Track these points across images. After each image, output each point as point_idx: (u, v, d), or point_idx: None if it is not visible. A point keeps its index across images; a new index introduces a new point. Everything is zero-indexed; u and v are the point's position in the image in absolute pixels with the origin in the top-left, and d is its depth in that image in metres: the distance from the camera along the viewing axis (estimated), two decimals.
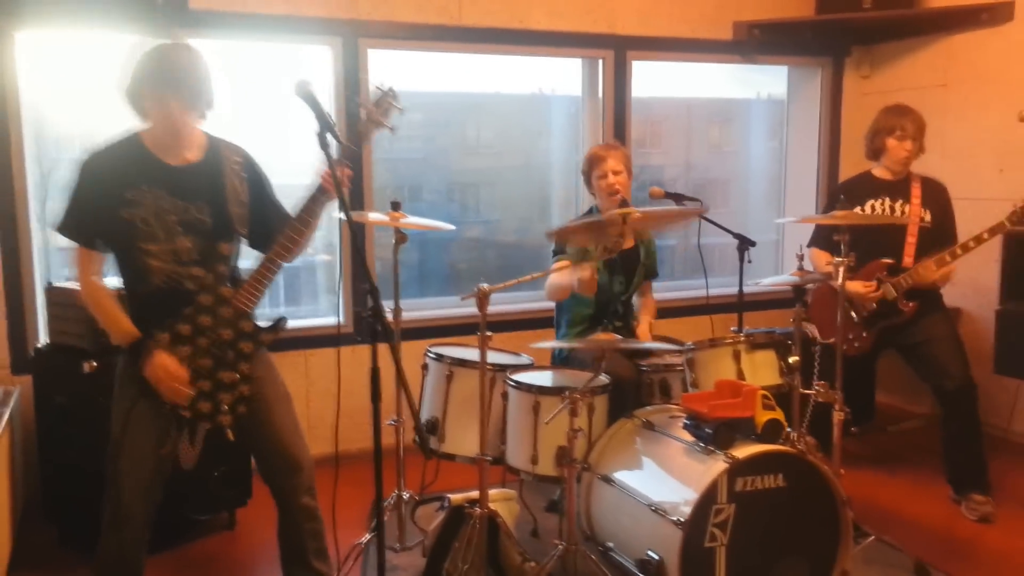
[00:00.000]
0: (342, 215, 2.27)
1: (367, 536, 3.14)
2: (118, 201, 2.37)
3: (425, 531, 3.05)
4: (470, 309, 4.51)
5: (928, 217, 3.76)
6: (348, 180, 2.53)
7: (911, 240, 3.74)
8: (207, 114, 2.48)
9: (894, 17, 4.76)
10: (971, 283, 4.57)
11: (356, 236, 2.26)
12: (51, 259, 3.93)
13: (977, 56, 4.61)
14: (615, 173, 3.49)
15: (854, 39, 5.25)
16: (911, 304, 3.64)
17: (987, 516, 3.55)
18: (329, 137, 2.25)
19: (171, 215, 2.41)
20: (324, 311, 4.57)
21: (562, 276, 3.33)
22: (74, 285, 3.15)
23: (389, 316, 3.41)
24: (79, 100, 3.88)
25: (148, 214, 2.39)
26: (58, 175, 3.88)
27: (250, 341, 2.50)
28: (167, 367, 2.39)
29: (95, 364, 3.07)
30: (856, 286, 3.68)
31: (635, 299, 3.75)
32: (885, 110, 3.83)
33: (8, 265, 3.68)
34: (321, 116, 2.26)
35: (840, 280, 2.99)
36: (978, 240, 3.50)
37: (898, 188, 3.80)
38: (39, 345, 3.42)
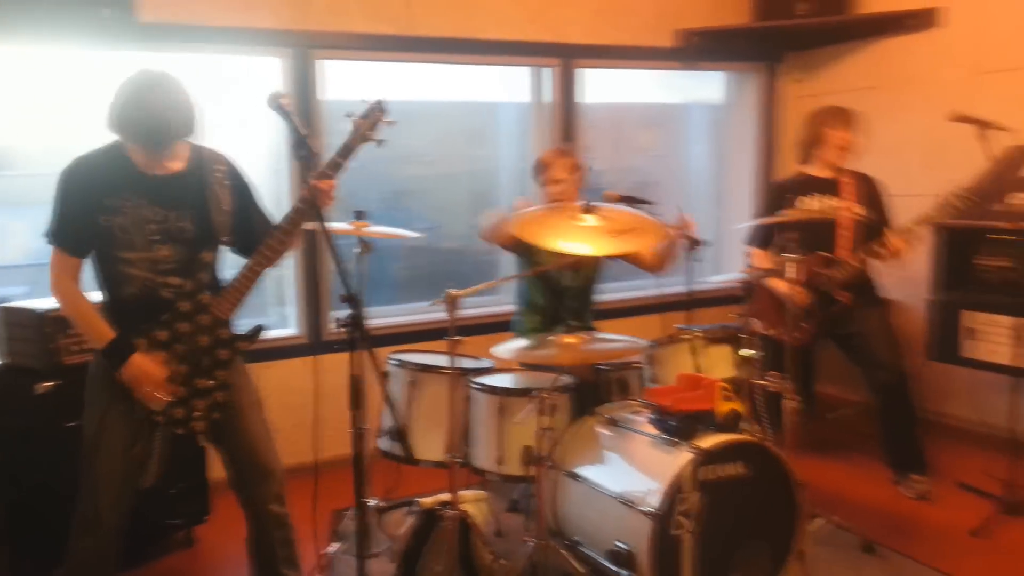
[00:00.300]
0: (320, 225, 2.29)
1: (335, 545, 3.17)
2: (98, 208, 2.39)
3: (393, 537, 3.09)
4: (424, 316, 4.63)
5: (860, 211, 3.90)
6: (331, 191, 2.53)
7: (845, 234, 3.87)
8: (185, 139, 2.49)
9: (826, 23, 4.97)
10: (901, 275, 4.80)
11: (334, 246, 2.29)
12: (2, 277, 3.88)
13: (904, 59, 4.85)
14: (556, 182, 3.54)
15: (788, 45, 5.46)
16: (846, 294, 3.79)
17: (924, 494, 3.77)
18: (304, 147, 2.29)
19: (152, 224, 2.43)
20: (275, 323, 4.56)
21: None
22: (31, 304, 3.14)
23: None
24: (23, 114, 3.83)
25: (127, 222, 2.41)
26: None
27: (227, 348, 2.54)
28: (144, 369, 2.41)
29: (48, 385, 3.03)
30: (782, 286, 3.81)
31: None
32: (819, 109, 4.00)
33: None
34: (294, 127, 2.30)
35: (793, 276, 3.13)
36: (928, 219, 3.63)
37: (831, 185, 3.94)
38: None
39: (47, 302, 3.10)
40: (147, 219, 2.43)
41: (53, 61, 3.89)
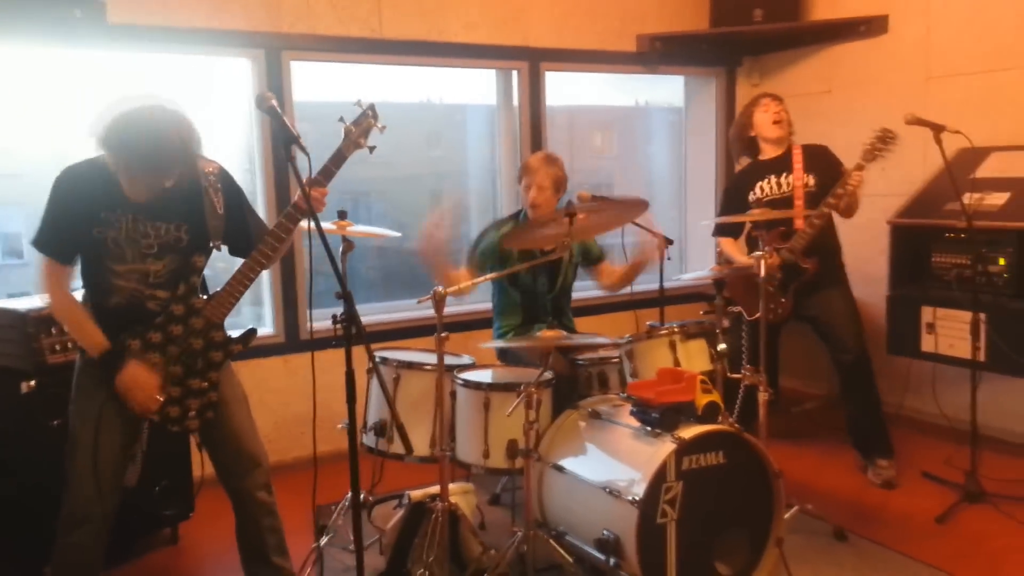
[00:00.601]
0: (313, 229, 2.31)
1: (324, 539, 3.20)
2: (91, 220, 2.39)
3: (382, 530, 3.12)
4: (402, 314, 4.66)
5: (812, 181, 4.01)
6: (323, 198, 2.56)
7: (799, 204, 3.98)
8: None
9: (782, 29, 5.14)
10: (861, 273, 4.95)
11: (328, 246, 2.32)
12: None
13: (858, 64, 5.03)
14: (539, 188, 3.60)
15: (745, 50, 5.62)
16: (811, 261, 3.88)
17: (890, 480, 3.90)
18: (295, 149, 2.31)
19: (147, 237, 2.44)
20: (251, 322, 4.55)
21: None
22: (12, 304, 3.11)
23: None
24: (23, 111, 3.80)
25: (120, 236, 2.41)
26: None
27: (220, 351, 2.56)
28: (137, 377, 2.42)
29: (32, 384, 3.01)
30: (752, 260, 3.93)
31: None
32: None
33: None
34: (283, 128, 2.32)
35: (762, 272, 3.26)
36: (844, 185, 3.78)
37: (781, 162, 4.07)
38: None
39: (29, 302, 3.07)
40: (143, 233, 2.44)
41: (21, 60, 3.85)
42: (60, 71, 3.91)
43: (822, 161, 4.09)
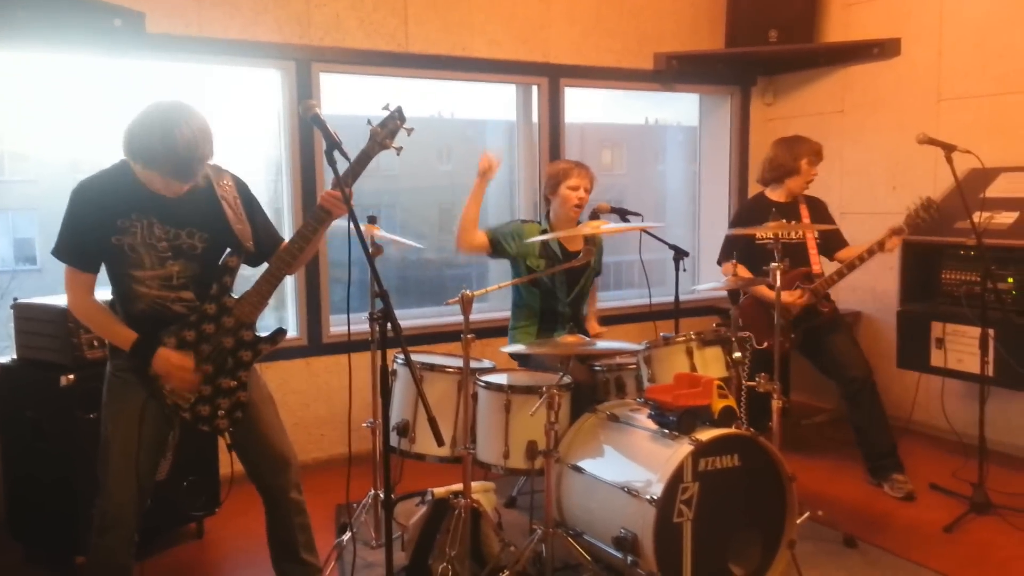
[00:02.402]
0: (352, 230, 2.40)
1: (347, 535, 3.28)
2: (109, 228, 2.46)
3: (404, 526, 3.20)
4: (418, 321, 4.76)
5: (816, 235, 4.25)
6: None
7: (813, 252, 4.23)
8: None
9: (796, 50, 5.26)
10: (871, 289, 5.08)
11: (365, 243, 2.41)
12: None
13: (870, 85, 5.14)
14: (583, 191, 3.76)
15: (760, 70, 5.74)
16: (830, 305, 4.06)
17: (911, 492, 3.97)
18: (337, 154, 2.41)
19: (162, 242, 2.50)
20: (274, 325, 4.64)
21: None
22: (52, 300, 3.22)
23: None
24: (41, 117, 3.91)
25: (136, 242, 2.48)
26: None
27: (249, 350, 2.63)
28: (172, 360, 2.50)
29: (71, 377, 3.11)
30: (786, 296, 4.05)
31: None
32: (797, 141, 4.26)
33: None
34: (328, 135, 2.42)
35: (777, 283, 3.35)
36: (880, 246, 3.92)
37: (790, 209, 4.25)
38: (6, 361, 3.41)
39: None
40: (157, 237, 2.50)
41: (60, 68, 3.98)
42: (78, 78, 4.03)
43: (823, 215, 4.33)
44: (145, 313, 2.54)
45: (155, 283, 2.53)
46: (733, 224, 4.59)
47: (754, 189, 5.76)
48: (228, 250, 2.65)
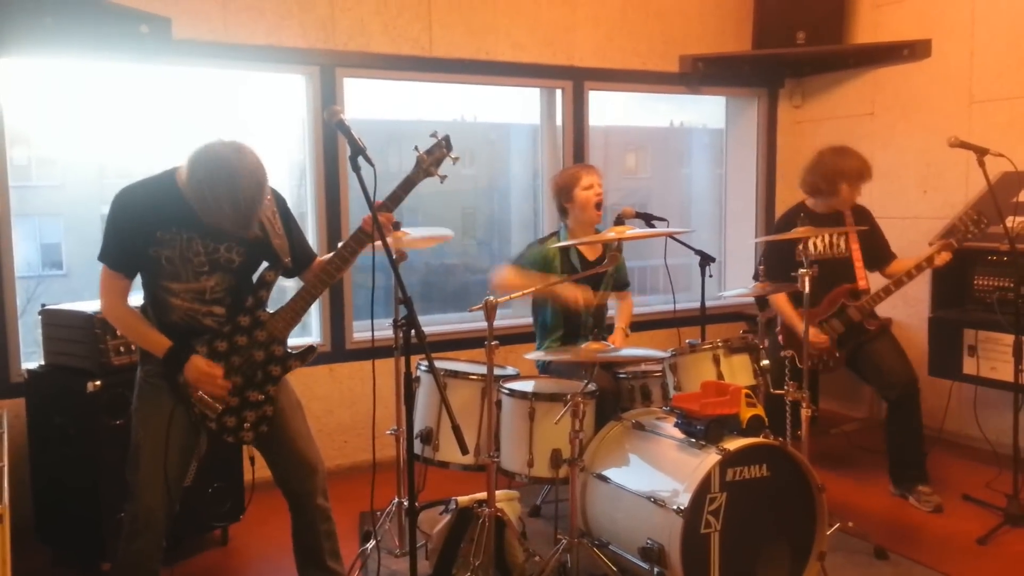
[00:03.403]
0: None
1: (370, 543, 3.27)
2: (149, 239, 2.48)
3: (427, 535, 3.18)
4: (440, 327, 4.75)
5: (856, 245, 4.08)
6: (389, 224, 2.66)
7: (859, 266, 4.06)
8: None
9: (825, 52, 5.19)
10: (901, 295, 4.93)
11: (394, 261, 2.41)
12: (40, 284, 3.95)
13: (901, 87, 5.06)
14: (598, 191, 3.75)
15: (788, 72, 5.67)
16: (877, 322, 3.97)
17: (939, 505, 3.88)
18: (361, 160, 2.40)
19: (199, 256, 2.52)
20: (296, 332, 4.64)
21: (565, 288, 3.54)
22: (79, 306, 3.24)
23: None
24: (68, 123, 3.94)
25: (174, 255, 2.49)
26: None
27: (279, 365, 2.64)
28: (204, 369, 2.51)
29: (98, 384, 3.12)
30: (813, 336, 3.88)
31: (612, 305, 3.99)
32: (839, 159, 4.00)
33: None
34: (352, 141, 2.41)
35: (806, 288, 3.30)
36: (930, 262, 3.82)
37: (833, 219, 4.07)
38: (33, 367, 3.43)
39: (94, 304, 3.20)
40: (195, 252, 2.51)
41: (87, 74, 4.01)
42: (105, 84, 4.06)
43: (868, 224, 4.14)
44: (176, 325, 2.55)
45: (188, 296, 2.54)
46: (773, 232, 4.44)
47: (781, 192, 5.73)
48: (265, 264, 2.66)
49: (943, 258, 3.82)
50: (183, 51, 3.94)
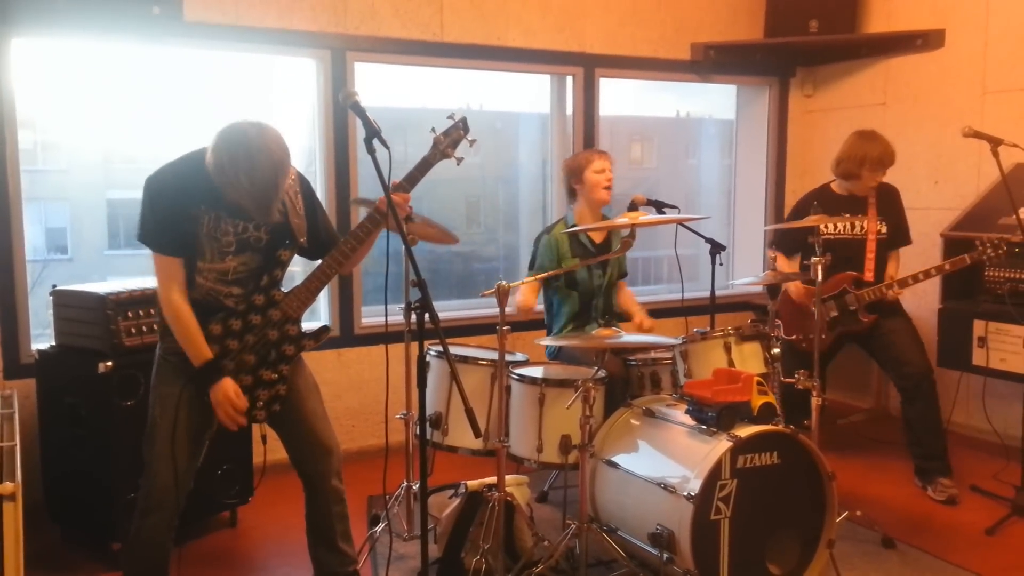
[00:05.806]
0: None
1: (379, 527, 3.28)
2: (181, 216, 2.47)
3: (436, 519, 3.19)
4: (452, 313, 4.75)
5: (884, 228, 4.09)
6: (406, 205, 2.66)
7: (870, 256, 4.06)
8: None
9: (837, 41, 5.16)
10: (912, 286, 4.96)
11: (408, 243, 2.41)
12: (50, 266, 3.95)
13: (913, 78, 5.03)
14: (610, 171, 3.79)
15: (800, 61, 5.64)
16: (871, 317, 3.97)
17: (954, 497, 3.87)
18: (378, 142, 2.39)
19: (226, 235, 2.52)
20: (305, 316, 4.65)
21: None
22: (91, 287, 3.24)
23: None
24: (74, 107, 3.92)
25: (201, 233, 2.49)
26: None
27: (292, 345, 2.64)
28: (229, 396, 2.51)
29: (110, 364, 3.12)
30: (798, 291, 4.01)
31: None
32: (862, 141, 4.02)
33: (1, 272, 3.69)
34: (367, 123, 2.40)
35: (819, 279, 3.29)
36: (939, 270, 3.87)
37: (856, 202, 4.09)
38: (44, 347, 3.44)
39: (106, 285, 3.20)
40: (224, 231, 2.51)
41: (94, 57, 4.00)
42: (112, 68, 4.04)
43: (894, 206, 4.14)
44: (198, 302, 2.55)
45: (212, 275, 2.54)
46: (789, 216, 4.46)
47: (791, 182, 5.71)
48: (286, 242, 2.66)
49: (954, 268, 3.87)
50: (194, 33, 3.93)
